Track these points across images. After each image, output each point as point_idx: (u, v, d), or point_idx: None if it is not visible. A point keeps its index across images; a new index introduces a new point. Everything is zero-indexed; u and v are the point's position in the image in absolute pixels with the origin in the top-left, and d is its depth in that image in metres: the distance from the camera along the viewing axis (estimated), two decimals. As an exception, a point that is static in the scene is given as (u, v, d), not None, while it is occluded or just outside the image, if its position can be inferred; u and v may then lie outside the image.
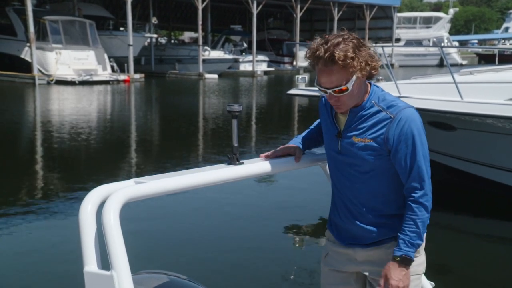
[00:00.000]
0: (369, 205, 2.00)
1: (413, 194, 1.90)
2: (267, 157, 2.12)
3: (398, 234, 1.92)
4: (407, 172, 1.91)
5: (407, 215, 1.91)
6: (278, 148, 2.16)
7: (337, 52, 1.79)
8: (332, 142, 2.05)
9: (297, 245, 5.45)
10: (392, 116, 1.89)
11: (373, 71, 1.90)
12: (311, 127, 2.29)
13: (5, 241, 5.35)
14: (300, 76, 6.98)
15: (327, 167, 2.17)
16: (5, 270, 4.63)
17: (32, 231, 5.66)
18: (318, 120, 2.23)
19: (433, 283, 2.31)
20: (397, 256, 1.89)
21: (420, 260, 2.03)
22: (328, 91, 1.88)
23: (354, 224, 2.03)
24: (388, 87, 6.97)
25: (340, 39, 1.82)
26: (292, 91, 8.17)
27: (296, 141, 2.22)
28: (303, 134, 2.27)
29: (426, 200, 1.90)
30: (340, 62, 1.80)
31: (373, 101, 1.94)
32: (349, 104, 1.93)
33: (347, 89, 1.86)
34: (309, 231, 5.89)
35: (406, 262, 1.88)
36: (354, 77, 1.85)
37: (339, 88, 1.85)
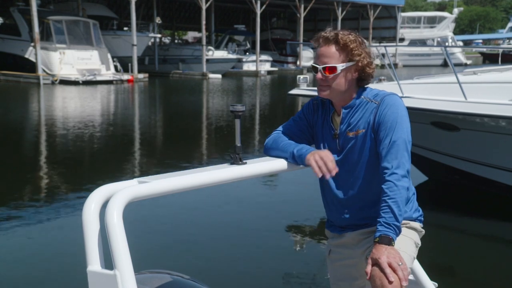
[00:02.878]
0: (364, 193, 2.05)
1: (384, 175, 1.91)
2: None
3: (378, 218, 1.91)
4: (383, 152, 1.93)
5: (381, 197, 1.90)
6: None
7: (340, 34, 1.99)
8: (328, 144, 2.09)
9: (299, 245, 5.45)
10: (377, 103, 2.00)
11: (367, 69, 2.02)
12: (285, 130, 2.18)
13: (9, 240, 5.37)
14: (301, 76, 6.94)
15: None
16: (9, 268, 4.65)
17: (35, 230, 5.67)
18: (286, 124, 2.19)
19: (436, 283, 2.31)
20: (376, 237, 1.85)
21: (412, 230, 2.06)
22: (319, 67, 2.00)
23: (348, 212, 2.10)
24: (391, 87, 6.96)
25: (347, 32, 2.02)
26: (293, 91, 8.14)
27: (301, 146, 2.10)
28: (285, 138, 2.14)
29: (397, 179, 1.88)
30: (341, 42, 1.97)
31: (362, 97, 2.05)
32: (332, 92, 2.02)
33: (336, 70, 1.98)
34: (311, 231, 5.89)
35: (385, 241, 1.83)
36: (346, 65, 1.98)
37: (330, 65, 1.98)
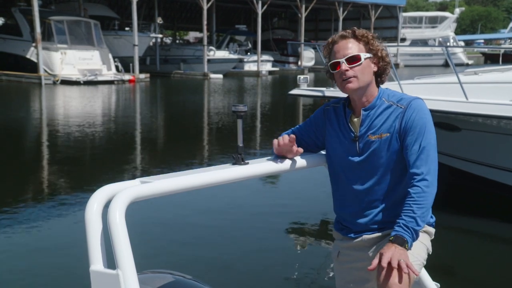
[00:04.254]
0: (387, 196, 2.03)
1: (413, 180, 1.91)
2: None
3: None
4: (413, 158, 1.93)
5: (406, 199, 1.90)
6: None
7: (357, 30, 2.02)
8: (346, 147, 2.07)
9: (301, 245, 5.45)
10: (403, 107, 1.98)
11: (384, 64, 2.03)
12: (295, 131, 2.21)
13: (11, 240, 5.38)
14: (302, 77, 6.93)
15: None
16: (11, 268, 4.66)
17: (38, 230, 5.69)
18: (299, 126, 2.22)
19: (438, 284, 2.31)
20: (391, 236, 1.85)
21: (425, 235, 2.04)
22: (342, 60, 1.97)
23: (366, 216, 2.07)
24: (391, 87, 6.95)
25: (361, 29, 2.06)
26: (294, 92, 8.13)
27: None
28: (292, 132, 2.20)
29: (426, 186, 1.89)
30: (359, 35, 1.99)
31: (383, 99, 2.03)
32: (359, 82, 1.98)
33: (360, 58, 1.96)
34: (313, 231, 5.89)
35: (398, 241, 1.82)
36: (368, 54, 1.99)
37: (353, 55, 1.96)
